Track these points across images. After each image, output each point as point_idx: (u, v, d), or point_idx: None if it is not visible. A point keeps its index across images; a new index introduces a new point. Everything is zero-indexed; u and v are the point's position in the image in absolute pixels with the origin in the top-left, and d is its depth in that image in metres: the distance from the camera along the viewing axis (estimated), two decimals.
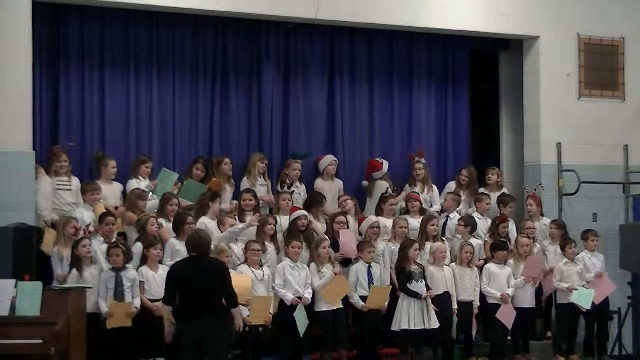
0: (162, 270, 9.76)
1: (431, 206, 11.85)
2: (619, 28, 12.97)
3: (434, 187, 12.05)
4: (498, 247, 11.13)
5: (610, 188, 12.77)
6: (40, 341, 8.15)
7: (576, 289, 11.18)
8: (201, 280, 8.34)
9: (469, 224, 11.30)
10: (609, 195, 12.79)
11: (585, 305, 11.21)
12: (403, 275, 10.55)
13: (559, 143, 12.60)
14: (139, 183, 10.68)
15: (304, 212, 10.85)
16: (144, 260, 9.86)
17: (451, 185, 12.10)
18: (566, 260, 11.38)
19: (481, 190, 12.18)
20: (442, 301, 10.61)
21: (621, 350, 11.92)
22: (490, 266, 11.06)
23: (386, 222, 11.25)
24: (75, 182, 10.47)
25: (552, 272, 11.39)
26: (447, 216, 11.64)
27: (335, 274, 10.35)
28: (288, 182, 11.40)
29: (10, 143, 10.07)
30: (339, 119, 12.19)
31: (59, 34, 10.92)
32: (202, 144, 11.56)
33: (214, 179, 11.01)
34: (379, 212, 11.46)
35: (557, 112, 12.65)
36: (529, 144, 12.80)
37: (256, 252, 10.16)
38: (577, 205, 12.56)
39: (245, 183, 11.25)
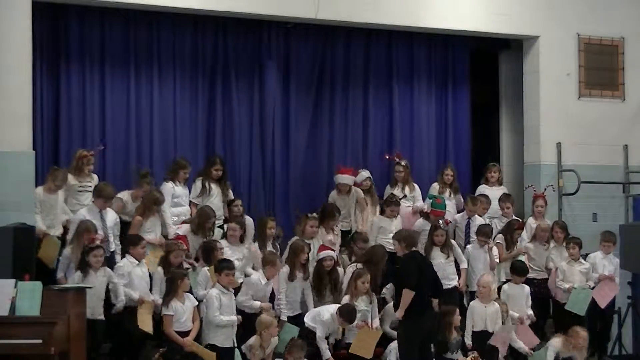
0: (189, 301, 9.51)
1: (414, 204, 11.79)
2: (619, 28, 12.97)
3: (416, 186, 11.91)
4: (519, 270, 10.93)
5: (610, 188, 12.77)
6: (40, 341, 8.12)
7: (575, 288, 11.20)
8: (427, 274, 9.28)
9: (488, 234, 11.22)
10: (609, 195, 12.78)
11: (580, 311, 11.21)
12: (441, 346, 10.16)
13: (559, 143, 12.60)
14: (175, 188, 10.59)
15: (331, 253, 10.58)
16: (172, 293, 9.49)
17: (435, 187, 11.94)
18: (569, 259, 11.37)
19: (482, 187, 12.16)
20: (477, 339, 10.40)
21: (621, 350, 11.91)
22: (509, 287, 10.90)
23: (383, 222, 11.28)
24: (95, 180, 10.47)
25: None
26: (469, 220, 11.55)
27: (359, 327, 10.06)
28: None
29: (10, 143, 10.07)
30: (339, 119, 12.19)
31: (59, 34, 10.92)
32: (203, 144, 11.56)
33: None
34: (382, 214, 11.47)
35: (557, 112, 12.65)
36: (529, 144, 12.80)
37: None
38: (577, 205, 12.56)
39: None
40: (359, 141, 12.32)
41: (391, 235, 10.65)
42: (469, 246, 11.34)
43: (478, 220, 11.52)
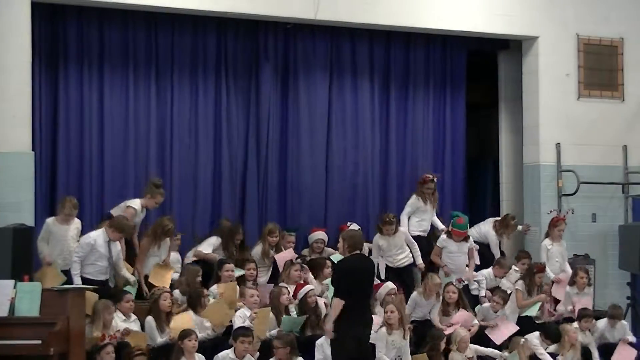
0: None
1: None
2: (618, 28, 12.97)
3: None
4: (553, 337, 10.53)
5: (610, 188, 12.77)
6: (39, 342, 8.11)
7: None
8: (368, 279, 8.86)
9: (506, 299, 10.85)
10: (609, 196, 12.78)
11: None
12: None
13: (559, 143, 12.60)
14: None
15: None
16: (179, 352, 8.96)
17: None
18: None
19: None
20: None
21: None
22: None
23: (380, 240, 11.05)
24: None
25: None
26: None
27: None
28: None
29: (10, 143, 10.08)
30: (337, 120, 12.17)
31: (58, 34, 10.91)
32: (202, 145, 11.55)
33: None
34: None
35: (556, 112, 12.65)
36: (528, 144, 12.80)
37: None
38: (577, 205, 12.53)
39: (257, 252, 10.93)
40: (359, 142, 12.29)
41: (392, 252, 11.02)
42: (486, 304, 10.90)
43: None
